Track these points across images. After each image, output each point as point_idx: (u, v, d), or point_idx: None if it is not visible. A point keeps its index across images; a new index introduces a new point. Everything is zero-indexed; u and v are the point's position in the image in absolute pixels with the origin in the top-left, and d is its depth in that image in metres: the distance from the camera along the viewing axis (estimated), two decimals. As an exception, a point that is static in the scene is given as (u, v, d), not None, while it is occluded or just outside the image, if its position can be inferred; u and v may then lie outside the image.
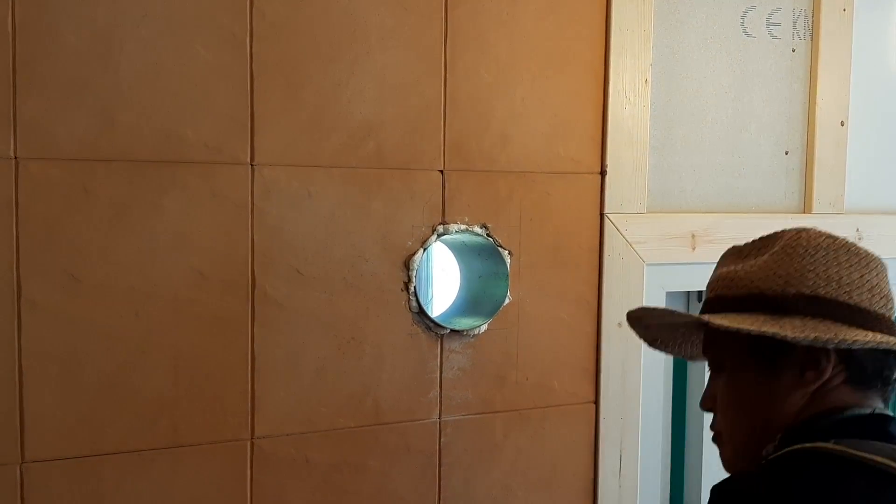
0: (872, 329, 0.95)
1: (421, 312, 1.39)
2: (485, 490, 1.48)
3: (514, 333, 1.48)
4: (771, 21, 1.71)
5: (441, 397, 1.43)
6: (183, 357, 1.24)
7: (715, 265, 1.09)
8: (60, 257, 1.17)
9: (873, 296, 0.98)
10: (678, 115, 1.63)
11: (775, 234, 1.04)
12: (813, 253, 0.99)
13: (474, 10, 1.41)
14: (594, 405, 1.56)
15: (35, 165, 1.15)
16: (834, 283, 0.97)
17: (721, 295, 1.03)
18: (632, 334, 1.56)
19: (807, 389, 0.97)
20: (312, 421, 1.33)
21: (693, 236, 1.62)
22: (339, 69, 1.32)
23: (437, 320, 1.41)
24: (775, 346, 0.95)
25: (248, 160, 1.27)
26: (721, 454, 1.06)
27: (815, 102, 1.75)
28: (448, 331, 1.42)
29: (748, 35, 1.69)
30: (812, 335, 0.92)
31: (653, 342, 1.18)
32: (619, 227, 1.55)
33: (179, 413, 1.25)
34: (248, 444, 1.29)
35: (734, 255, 1.07)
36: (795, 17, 1.73)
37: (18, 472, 1.16)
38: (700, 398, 1.08)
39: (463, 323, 1.45)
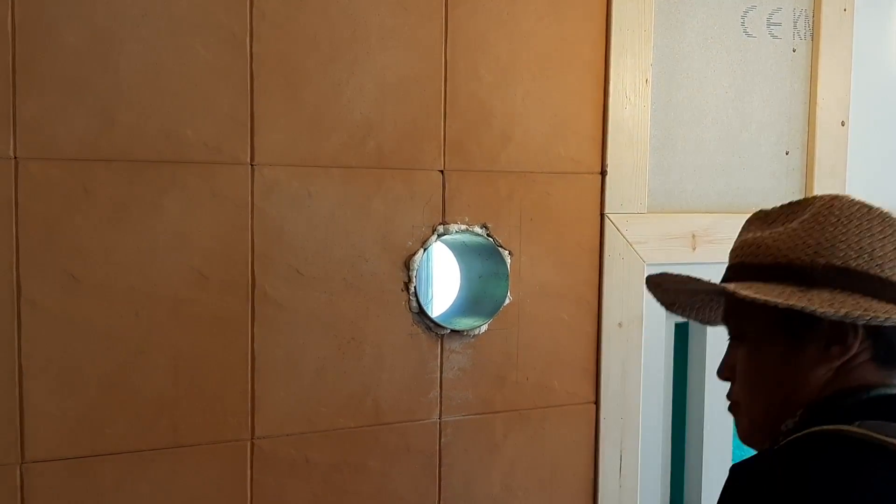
0: None
1: (421, 312, 1.39)
2: (485, 490, 1.48)
3: (515, 333, 1.48)
4: (771, 21, 1.70)
5: (441, 397, 1.43)
6: (183, 357, 1.24)
7: (739, 230, 1.05)
8: (60, 257, 1.17)
9: None
10: (679, 114, 1.63)
11: (805, 199, 1.00)
12: (846, 222, 0.94)
13: (474, 10, 1.41)
14: (594, 405, 1.56)
15: (35, 165, 1.15)
16: (866, 256, 0.92)
17: (746, 262, 0.99)
18: (632, 335, 1.57)
19: (831, 365, 0.94)
20: (312, 421, 1.33)
21: (693, 236, 1.62)
22: (339, 69, 1.32)
23: (437, 320, 1.41)
24: (801, 319, 0.92)
25: (248, 160, 1.27)
26: (737, 425, 1.04)
27: (815, 102, 1.75)
28: (448, 331, 1.42)
29: (749, 35, 1.69)
30: (842, 311, 0.89)
31: (670, 305, 1.15)
32: (620, 228, 1.55)
33: (179, 413, 1.24)
34: (249, 444, 1.29)
35: (760, 220, 1.03)
36: (796, 16, 1.73)
37: (18, 472, 1.16)
38: (718, 368, 1.05)
39: (463, 323, 1.45)
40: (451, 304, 1.57)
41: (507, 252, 1.46)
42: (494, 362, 1.46)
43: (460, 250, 1.54)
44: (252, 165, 1.27)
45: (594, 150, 1.53)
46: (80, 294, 1.18)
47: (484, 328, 1.45)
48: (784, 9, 1.72)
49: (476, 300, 1.52)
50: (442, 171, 1.40)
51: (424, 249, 1.39)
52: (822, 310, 0.89)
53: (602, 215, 1.54)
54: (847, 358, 0.93)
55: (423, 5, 1.37)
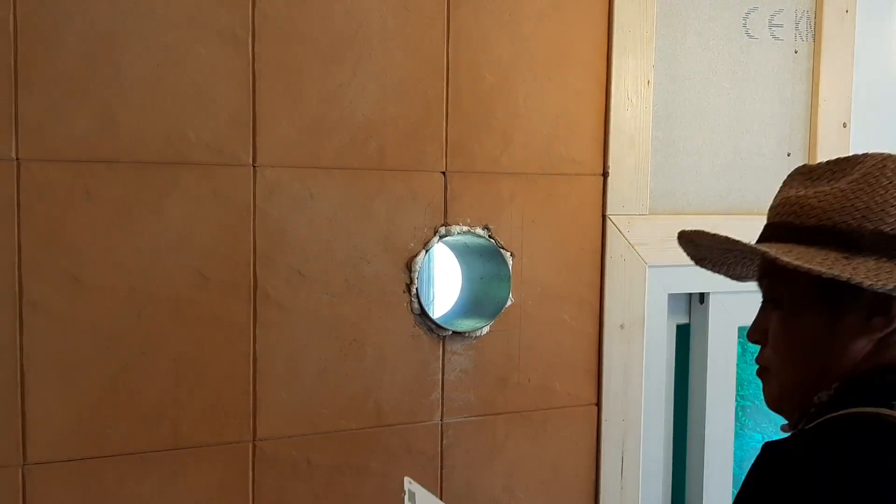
0: None
1: (423, 314, 1.39)
2: (487, 492, 1.48)
3: (516, 335, 1.48)
4: (773, 22, 1.70)
5: (443, 399, 1.42)
6: (184, 358, 1.24)
7: (780, 185, 0.99)
8: (62, 259, 1.17)
9: None
10: (680, 116, 1.63)
11: (854, 156, 0.94)
12: None
13: (476, 11, 1.41)
14: (596, 407, 1.56)
15: (36, 167, 1.15)
16: None
17: (786, 223, 0.93)
18: (634, 336, 1.57)
19: (872, 337, 0.89)
20: (314, 423, 1.33)
21: (695, 238, 1.61)
22: (340, 70, 1.32)
23: (438, 322, 1.41)
24: (843, 287, 0.86)
25: (250, 161, 1.27)
26: (765, 390, 0.99)
27: (817, 104, 1.75)
28: (450, 332, 1.41)
29: (750, 36, 1.69)
30: (891, 283, 0.83)
31: (700, 260, 1.10)
32: (621, 229, 1.55)
33: (181, 415, 1.24)
34: (250, 445, 1.29)
35: (803, 175, 0.97)
36: (798, 18, 1.73)
37: (20, 474, 1.16)
38: (748, 330, 1.00)
39: (465, 325, 1.45)
40: (453, 306, 1.57)
41: (508, 253, 1.46)
42: (496, 364, 1.46)
43: (462, 251, 1.54)
44: (254, 167, 1.27)
45: (596, 151, 1.52)
46: (82, 295, 1.18)
47: (486, 330, 1.45)
48: (786, 10, 1.72)
49: (477, 301, 1.52)
50: (444, 173, 1.40)
51: (426, 251, 1.39)
52: (868, 282, 0.83)
53: (604, 217, 1.54)
54: (890, 330, 0.89)
55: (425, 7, 1.37)
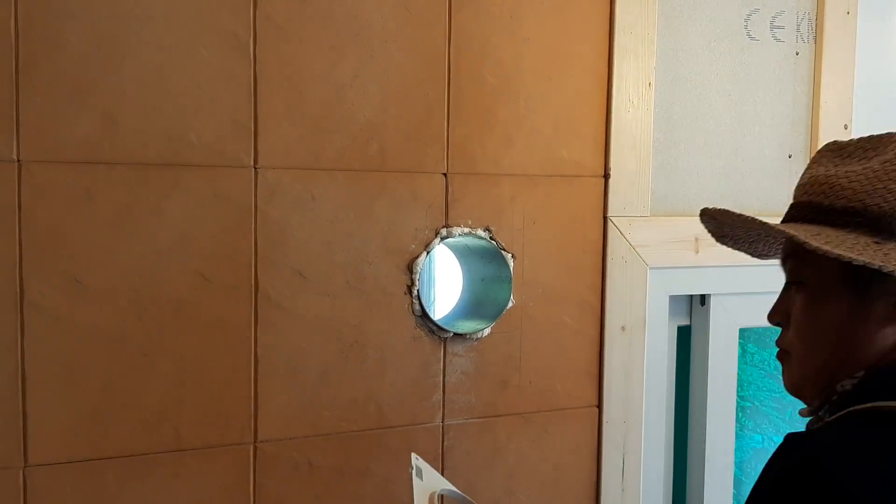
0: None
1: (424, 316, 1.39)
2: (488, 494, 1.48)
3: (518, 337, 1.47)
4: (774, 24, 1.70)
5: (444, 401, 1.42)
6: (186, 360, 1.24)
7: (808, 163, 0.95)
8: (63, 260, 1.17)
9: None
10: (681, 117, 1.63)
11: (889, 135, 0.89)
12: None
13: (477, 13, 1.41)
14: (597, 409, 1.56)
15: (38, 168, 1.15)
16: None
17: (815, 203, 0.90)
18: (635, 338, 1.57)
19: None
20: (315, 425, 1.33)
21: (696, 240, 1.61)
22: (342, 72, 1.32)
23: (440, 324, 1.41)
24: (871, 272, 0.83)
25: (252, 163, 1.27)
26: (785, 373, 0.96)
27: (818, 105, 1.74)
28: (451, 334, 1.41)
29: (752, 38, 1.69)
30: None
31: (721, 237, 1.08)
32: (623, 231, 1.54)
33: (182, 416, 1.24)
34: (251, 447, 1.29)
35: (833, 153, 0.93)
36: (799, 20, 1.73)
37: (21, 476, 1.16)
38: (769, 311, 0.97)
39: (466, 326, 1.45)
40: (454, 307, 1.57)
41: (509, 255, 1.46)
42: (497, 366, 1.46)
43: (463, 253, 1.54)
44: (255, 168, 1.27)
45: (597, 153, 1.52)
46: (83, 297, 1.18)
47: (487, 331, 1.44)
48: (787, 12, 1.72)
49: (478, 303, 1.52)
50: (445, 174, 1.40)
51: (427, 252, 1.39)
52: None
53: (605, 218, 1.54)
54: None
55: (427, 8, 1.37)
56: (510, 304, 1.46)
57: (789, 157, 1.75)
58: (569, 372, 1.52)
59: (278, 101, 1.28)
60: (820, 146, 1.72)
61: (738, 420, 1.78)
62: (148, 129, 1.20)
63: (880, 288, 0.86)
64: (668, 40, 1.60)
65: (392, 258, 1.37)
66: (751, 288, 1.70)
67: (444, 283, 1.83)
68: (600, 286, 1.54)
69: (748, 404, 1.85)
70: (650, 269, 1.58)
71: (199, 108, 1.23)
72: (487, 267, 1.49)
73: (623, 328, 1.56)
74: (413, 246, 1.38)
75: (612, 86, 1.52)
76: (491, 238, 1.44)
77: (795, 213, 0.94)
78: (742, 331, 1.76)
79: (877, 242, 0.84)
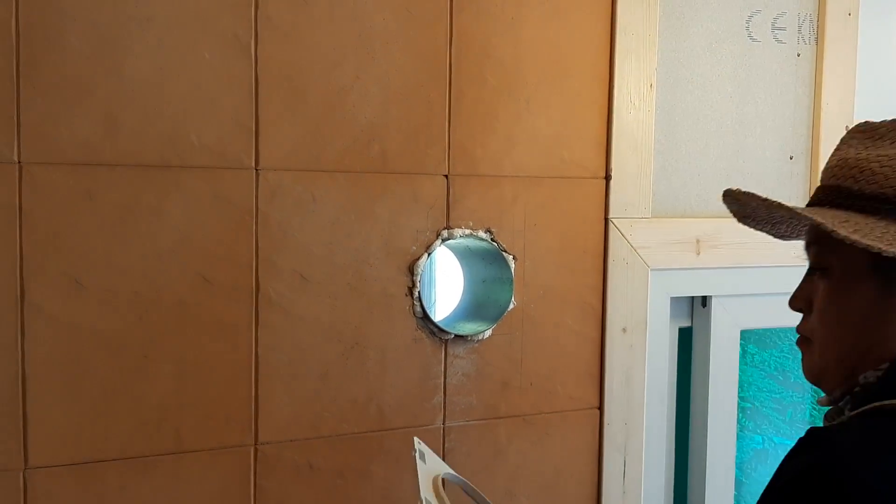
0: None
1: (425, 317, 1.39)
2: (489, 495, 1.47)
3: (519, 338, 1.47)
4: (776, 25, 1.70)
5: (445, 403, 1.42)
6: (186, 362, 1.24)
7: (837, 144, 0.92)
8: (64, 262, 1.16)
9: None
10: (683, 119, 1.63)
11: None
12: None
13: (479, 15, 1.41)
14: (598, 411, 1.56)
15: (39, 170, 1.15)
16: None
17: (844, 187, 0.87)
18: (636, 340, 1.57)
19: None
20: (316, 427, 1.33)
21: (698, 241, 1.61)
22: (343, 74, 1.31)
23: (441, 325, 1.41)
24: None
25: (253, 164, 1.27)
26: (804, 360, 0.94)
27: (819, 107, 1.74)
28: (452, 336, 1.41)
29: (753, 39, 1.68)
30: None
31: (743, 218, 1.04)
32: (624, 232, 1.54)
33: (183, 418, 1.24)
34: (252, 449, 1.29)
35: (865, 133, 0.90)
36: (801, 21, 1.73)
37: (22, 478, 1.16)
38: (791, 297, 0.94)
39: (467, 328, 1.45)
40: (455, 309, 1.57)
41: (511, 256, 1.45)
42: (498, 367, 1.46)
43: (464, 254, 1.54)
44: (256, 170, 1.27)
45: (598, 154, 1.52)
46: (84, 299, 1.18)
47: (488, 333, 1.44)
48: (789, 13, 1.71)
49: (479, 305, 1.52)
50: (446, 176, 1.40)
51: (429, 254, 1.39)
52: None
53: (606, 220, 1.53)
54: None
55: (428, 10, 1.37)
56: (511, 306, 1.46)
57: (790, 158, 1.74)
58: (570, 374, 1.52)
59: (279, 102, 1.28)
60: (822, 148, 1.75)
61: (738, 421, 1.78)
62: (149, 130, 1.20)
63: None
64: (669, 41, 1.60)
65: (393, 260, 1.37)
66: (752, 289, 1.70)
67: (445, 284, 1.83)
68: (601, 288, 1.54)
69: (748, 405, 1.85)
70: (651, 270, 1.57)
71: (200, 110, 1.23)
72: (488, 268, 1.49)
73: (624, 330, 1.55)
74: (414, 247, 1.38)
75: (613, 87, 1.52)
76: (492, 239, 1.44)
77: (822, 197, 0.90)
78: (744, 332, 1.76)
79: None
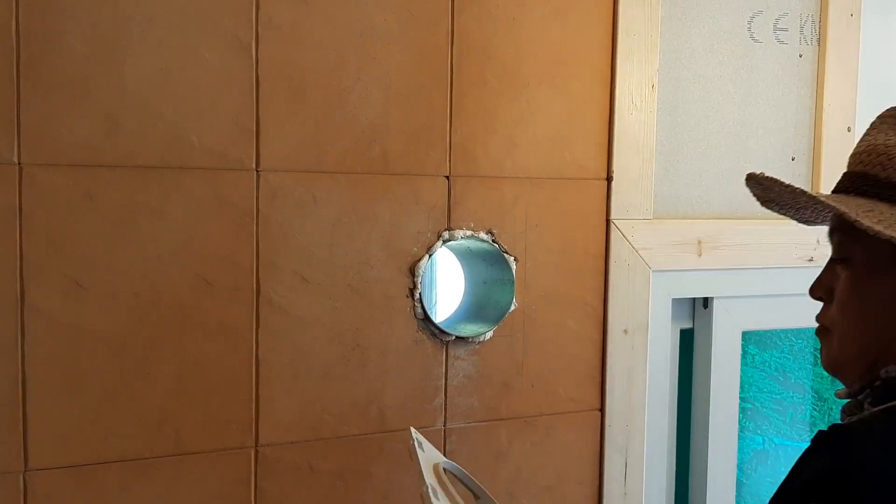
0: None
1: (426, 319, 1.39)
2: (489, 497, 1.47)
3: (520, 340, 1.47)
4: (778, 26, 1.70)
5: (446, 404, 1.42)
6: (187, 364, 1.24)
7: (863, 133, 0.90)
8: (64, 264, 1.16)
9: None
10: (685, 120, 1.63)
11: None
12: None
13: (480, 16, 1.40)
14: (599, 412, 1.55)
15: (39, 171, 1.14)
16: None
17: (871, 175, 0.84)
18: (638, 341, 1.57)
19: None
20: (317, 428, 1.32)
21: (699, 243, 1.61)
22: (344, 75, 1.31)
23: (442, 327, 1.40)
24: None
25: (254, 166, 1.26)
26: (823, 351, 0.92)
27: (821, 108, 1.74)
28: (453, 337, 1.41)
29: (755, 40, 1.68)
30: None
31: (767, 202, 1.03)
32: (626, 234, 1.54)
33: (183, 420, 1.24)
34: (253, 451, 1.29)
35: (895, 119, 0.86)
36: (803, 22, 1.72)
37: (22, 480, 1.15)
38: (812, 286, 0.92)
39: (468, 329, 1.45)
40: (456, 310, 1.56)
41: (512, 258, 1.45)
42: (499, 369, 1.46)
43: (465, 256, 1.53)
44: (257, 171, 1.27)
45: (600, 155, 1.52)
46: (84, 300, 1.17)
47: (489, 335, 1.44)
48: (791, 14, 1.71)
49: (481, 306, 1.52)
50: (447, 177, 1.40)
51: (430, 255, 1.39)
52: None
53: (608, 221, 1.53)
54: None
55: (429, 11, 1.36)
56: (512, 308, 1.45)
57: (792, 159, 1.74)
58: (571, 375, 1.52)
59: (280, 103, 1.27)
60: (824, 149, 1.74)
61: (738, 422, 1.78)
62: (149, 131, 1.20)
63: None
64: (671, 42, 1.60)
65: (394, 261, 1.36)
66: (754, 291, 1.70)
67: (446, 285, 1.82)
68: (603, 289, 1.54)
69: (749, 406, 1.85)
70: (653, 271, 1.57)
71: (201, 111, 1.22)
72: (490, 270, 1.49)
73: (625, 331, 1.55)
74: (415, 249, 1.38)
75: (615, 88, 1.52)
76: (493, 241, 1.44)
77: (848, 184, 0.88)
78: (745, 334, 1.75)
79: None
